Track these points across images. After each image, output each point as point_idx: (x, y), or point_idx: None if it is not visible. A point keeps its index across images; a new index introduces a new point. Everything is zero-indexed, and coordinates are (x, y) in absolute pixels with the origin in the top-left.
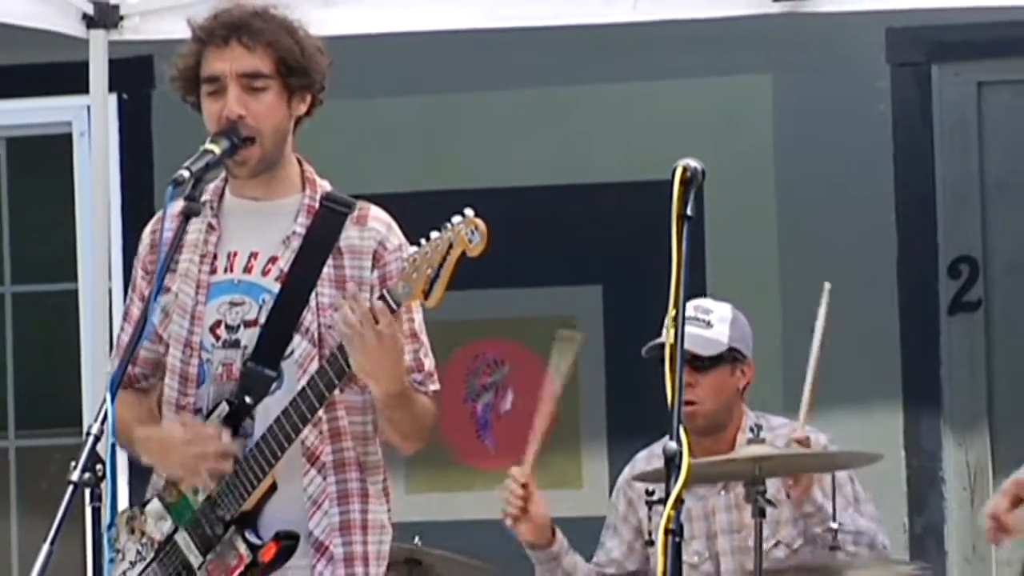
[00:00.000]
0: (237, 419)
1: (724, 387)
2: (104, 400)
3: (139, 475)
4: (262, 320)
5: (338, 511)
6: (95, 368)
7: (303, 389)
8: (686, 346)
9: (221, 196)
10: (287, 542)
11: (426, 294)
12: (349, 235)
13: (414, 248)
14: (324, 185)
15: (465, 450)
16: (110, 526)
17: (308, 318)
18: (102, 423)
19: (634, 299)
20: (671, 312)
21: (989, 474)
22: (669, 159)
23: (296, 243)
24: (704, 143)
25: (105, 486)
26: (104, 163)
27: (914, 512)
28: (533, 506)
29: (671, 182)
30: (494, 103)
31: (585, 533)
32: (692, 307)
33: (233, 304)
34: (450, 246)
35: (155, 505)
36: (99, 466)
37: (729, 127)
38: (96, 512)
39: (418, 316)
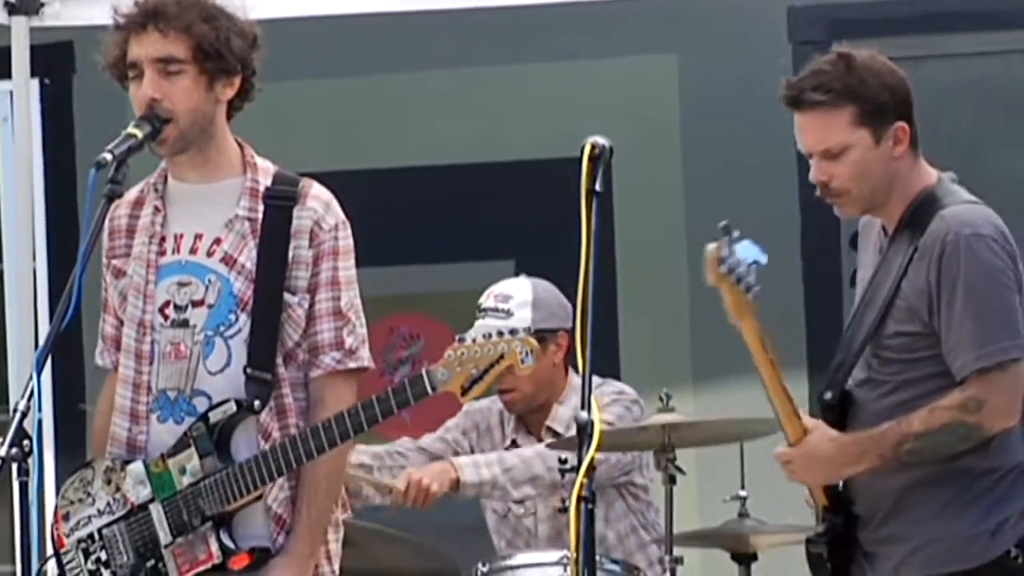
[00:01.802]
0: (233, 422)
1: (537, 370)
2: (31, 377)
3: (66, 449)
4: (210, 300)
5: (288, 485)
6: (20, 346)
7: (328, 421)
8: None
9: (165, 180)
10: (259, 555)
11: (464, 390)
12: (293, 216)
13: (466, 339)
14: (268, 167)
15: (384, 423)
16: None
17: (285, 316)
18: (28, 400)
19: (546, 273)
20: (582, 284)
21: None
22: (579, 137)
23: (239, 226)
24: (613, 121)
25: (32, 461)
26: (27, 147)
27: None
28: (429, 492)
29: (580, 159)
30: (406, 84)
31: None
32: (492, 297)
33: (181, 284)
34: (501, 357)
35: (138, 467)
36: (26, 441)
37: (637, 105)
38: (24, 486)
39: (346, 294)
